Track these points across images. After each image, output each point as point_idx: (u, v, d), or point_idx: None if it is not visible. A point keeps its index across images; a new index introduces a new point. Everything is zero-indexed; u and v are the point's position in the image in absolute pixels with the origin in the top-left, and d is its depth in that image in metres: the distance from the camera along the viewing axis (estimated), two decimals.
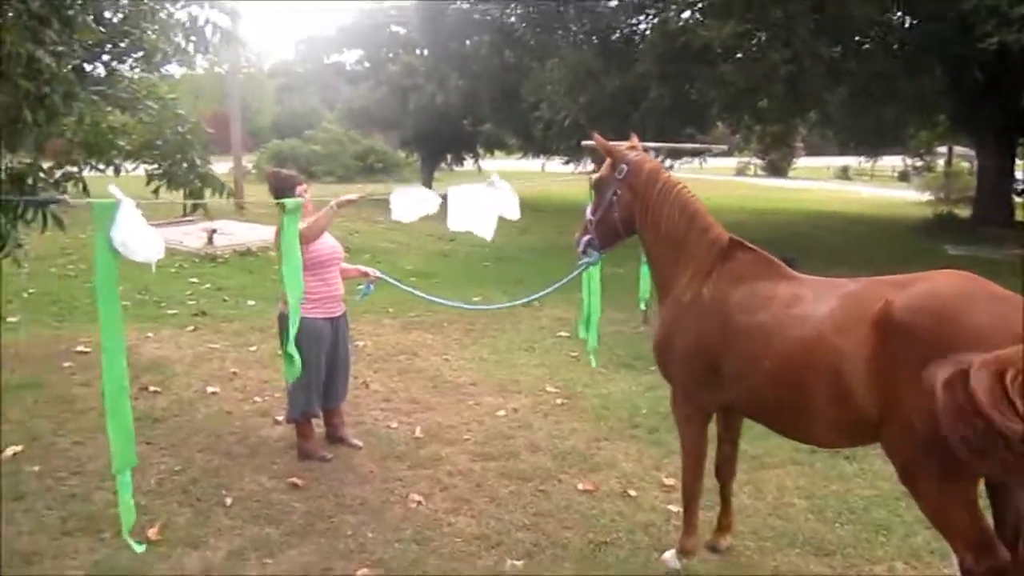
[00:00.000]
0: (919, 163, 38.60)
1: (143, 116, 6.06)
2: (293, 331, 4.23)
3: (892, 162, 42.71)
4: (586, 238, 4.24)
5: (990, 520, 3.06)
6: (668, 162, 17.28)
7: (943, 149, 36.09)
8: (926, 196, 28.11)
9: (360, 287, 5.56)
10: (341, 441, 5.43)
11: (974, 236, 17.75)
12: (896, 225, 21.31)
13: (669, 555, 3.98)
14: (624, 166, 3.97)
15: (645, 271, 6.03)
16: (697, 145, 11.01)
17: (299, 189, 5.05)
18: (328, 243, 5.18)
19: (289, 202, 4.18)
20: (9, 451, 5.14)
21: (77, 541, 4.11)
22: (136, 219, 3.45)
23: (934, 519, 3.02)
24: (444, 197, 4.78)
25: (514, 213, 4.95)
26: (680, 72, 12.41)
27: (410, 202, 4.81)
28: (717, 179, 40.95)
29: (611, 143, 4.12)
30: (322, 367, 5.14)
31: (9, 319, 8.74)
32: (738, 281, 3.60)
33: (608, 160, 4.10)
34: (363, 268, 5.61)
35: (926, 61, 12.94)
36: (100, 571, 3.83)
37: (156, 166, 5.96)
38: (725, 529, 4.17)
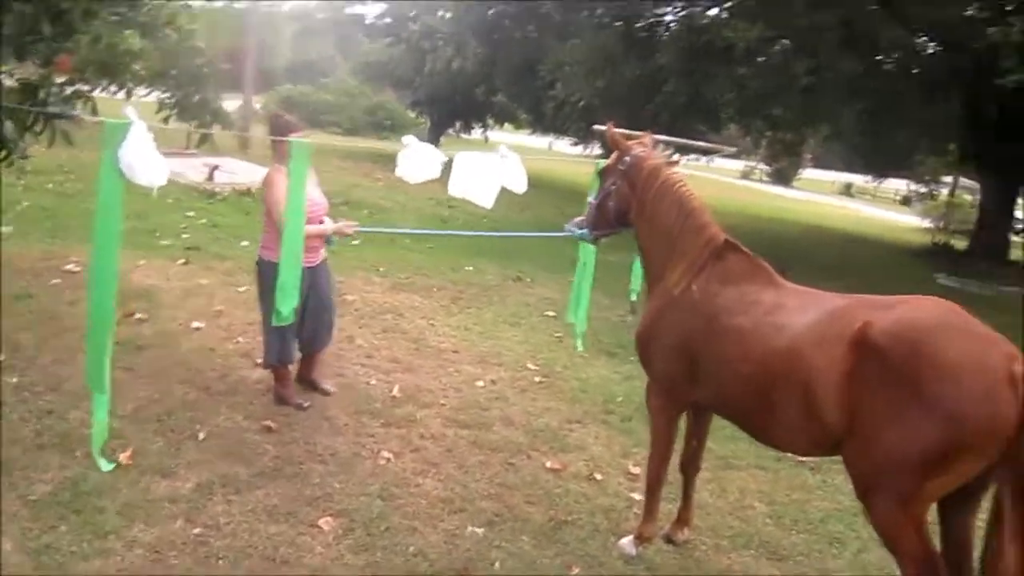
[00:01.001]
0: (923, 189, 38.74)
1: (160, 43, 6.04)
2: (291, 277, 4.29)
3: (896, 185, 42.87)
4: (579, 219, 4.40)
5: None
6: (676, 156, 17.31)
7: (949, 179, 36.23)
8: (926, 223, 28.24)
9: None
10: (312, 385, 5.50)
11: (967, 269, 17.86)
12: (892, 248, 21.42)
13: (626, 541, 4.07)
14: (627, 159, 4.04)
15: (638, 264, 6.10)
16: (708, 144, 11.00)
17: (296, 135, 4.89)
18: (309, 198, 5.12)
19: (298, 144, 4.19)
20: None
21: (49, 456, 4.15)
22: (146, 142, 3.48)
23: (884, 535, 3.10)
24: (450, 161, 4.82)
25: (520, 186, 4.99)
26: (700, 69, 12.39)
27: (418, 162, 4.82)
28: (721, 180, 40.97)
29: (620, 134, 4.19)
30: (296, 314, 5.13)
31: (3, 228, 8.72)
32: (727, 282, 3.65)
33: (615, 153, 4.17)
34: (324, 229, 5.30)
35: (944, 90, 12.92)
36: (68, 488, 3.87)
37: (168, 95, 5.96)
38: (683, 523, 4.25)
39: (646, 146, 4.16)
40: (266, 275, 4.91)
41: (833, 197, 42.87)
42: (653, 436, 4.03)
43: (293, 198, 4.18)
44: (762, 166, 47.94)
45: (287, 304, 4.42)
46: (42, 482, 3.90)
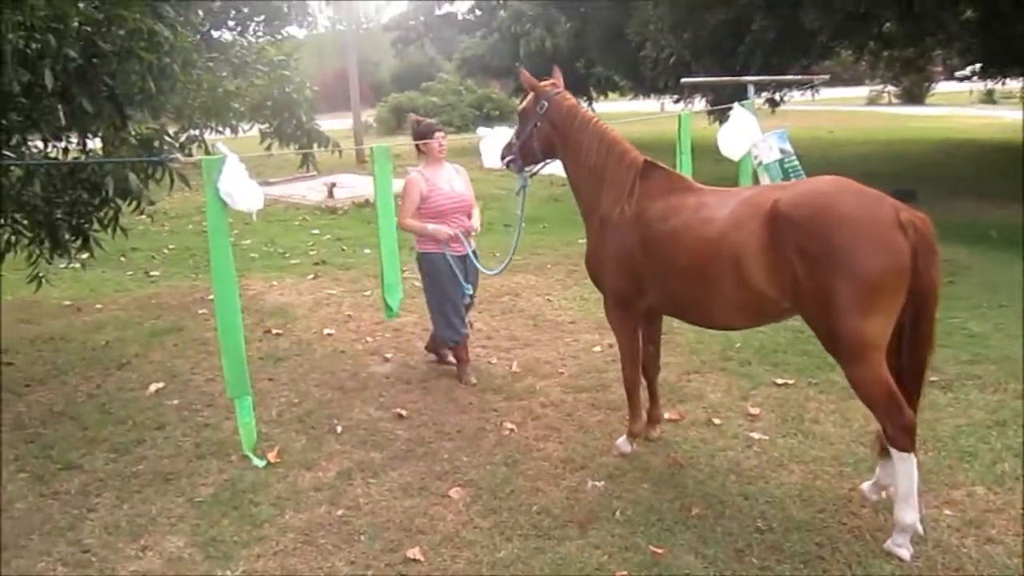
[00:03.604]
0: None
1: (253, 79, 6.53)
2: (393, 274, 4.65)
3: None
4: (509, 157, 4.73)
5: None
6: (778, 95, 16.73)
7: None
8: None
9: None
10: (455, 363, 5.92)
11: None
12: None
13: (621, 441, 4.59)
14: (545, 102, 4.42)
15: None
16: (795, 77, 10.61)
17: (438, 135, 5.52)
18: (445, 193, 5.48)
19: (378, 149, 4.53)
20: (152, 387, 5.79)
21: (208, 463, 4.64)
22: (240, 172, 3.86)
23: (858, 390, 3.48)
24: None
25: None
26: (785, 0, 11.95)
27: (497, 149, 5.08)
28: (845, 110, 39.17)
29: (535, 80, 4.56)
30: (454, 298, 5.55)
31: (152, 272, 9.60)
32: (654, 196, 4.02)
33: (531, 95, 4.53)
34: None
35: None
36: (227, 488, 4.33)
37: (267, 125, 6.44)
38: (654, 421, 4.66)
39: (558, 86, 4.50)
40: (422, 265, 5.52)
41: (974, 107, 40.08)
42: (620, 346, 4.50)
43: (381, 199, 4.50)
44: (890, 88, 45.30)
45: (394, 298, 4.75)
46: (204, 485, 4.38)
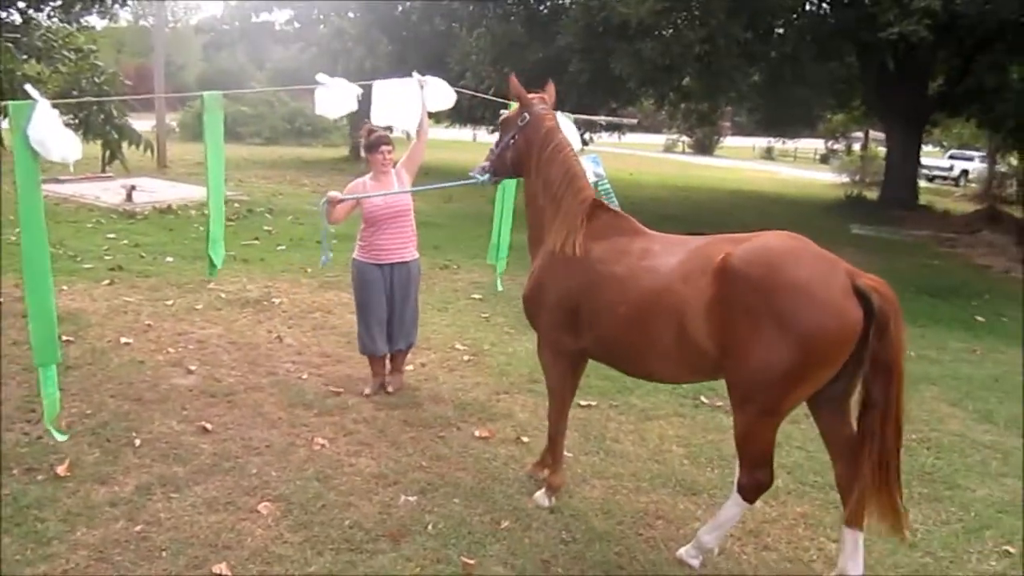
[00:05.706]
0: (838, 146, 40.07)
1: (59, 66, 6.09)
2: (217, 228, 4.52)
3: (815, 144, 44.22)
4: (483, 164, 4.53)
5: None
6: (587, 135, 17.70)
7: (861, 134, 37.51)
8: (843, 178, 29.27)
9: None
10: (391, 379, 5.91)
11: (879, 217, 18.72)
12: (810, 205, 22.18)
13: (540, 494, 4.32)
14: (527, 115, 4.22)
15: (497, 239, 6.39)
16: (608, 118, 11.31)
17: (384, 148, 5.52)
18: (377, 204, 5.55)
19: (208, 96, 4.35)
20: None
21: None
22: (53, 119, 3.57)
23: (740, 440, 3.54)
24: (367, 92, 5.09)
25: (448, 102, 5.31)
26: (600, 47, 12.72)
27: (334, 97, 5.06)
28: (645, 155, 41.69)
29: (523, 90, 4.31)
30: (373, 308, 5.70)
31: None
32: (599, 237, 3.94)
33: (517, 105, 4.33)
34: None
35: (836, 47, 13.46)
36: (8, 504, 3.98)
37: (72, 116, 6.01)
38: (544, 465, 4.53)
39: (546, 103, 4.32)
40: (355, 272, 5.74)
41: (755, 162, 43.95)
42: (550, 388, 4.33)
43: (211, 150, 4.34)
44: (684, 138, 48.81)
45: (218, 255, 4.56)
46: None
